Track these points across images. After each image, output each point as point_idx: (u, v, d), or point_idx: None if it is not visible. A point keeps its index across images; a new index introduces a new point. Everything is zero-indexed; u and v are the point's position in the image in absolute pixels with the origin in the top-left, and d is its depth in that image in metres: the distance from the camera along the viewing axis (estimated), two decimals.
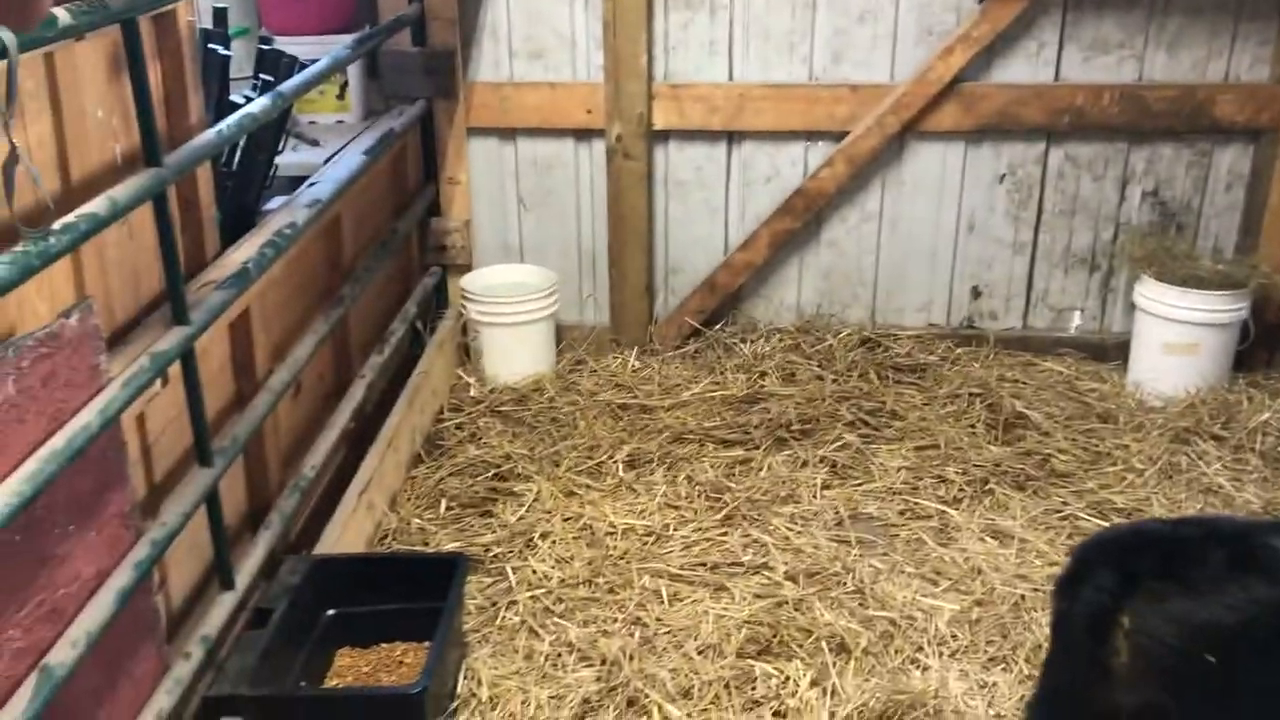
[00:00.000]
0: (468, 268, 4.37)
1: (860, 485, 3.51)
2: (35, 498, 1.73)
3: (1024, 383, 4.10)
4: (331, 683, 2.68)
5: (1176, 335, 3.94)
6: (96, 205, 1.88)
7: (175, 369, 2.25)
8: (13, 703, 1.74)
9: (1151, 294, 3.98)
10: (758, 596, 3.00)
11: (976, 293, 4.37)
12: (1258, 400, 3.93)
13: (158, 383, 2.14)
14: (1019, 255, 4.31)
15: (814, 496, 3.45)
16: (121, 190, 1.97)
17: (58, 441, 1.81)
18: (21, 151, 1.70)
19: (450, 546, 3.23)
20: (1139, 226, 4.22)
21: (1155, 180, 4.17)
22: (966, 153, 4.19)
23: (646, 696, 2.65)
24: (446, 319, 4.31)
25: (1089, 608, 1.84)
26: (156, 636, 2.21)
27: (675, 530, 3.29)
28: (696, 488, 3.49)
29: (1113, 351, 4.25)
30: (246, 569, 2.56)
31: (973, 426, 3.80)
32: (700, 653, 2.80)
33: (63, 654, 1.84)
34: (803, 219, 4.25)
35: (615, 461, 3.64)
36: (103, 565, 2.00)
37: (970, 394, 3.96)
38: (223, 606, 2.45)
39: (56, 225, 1.78)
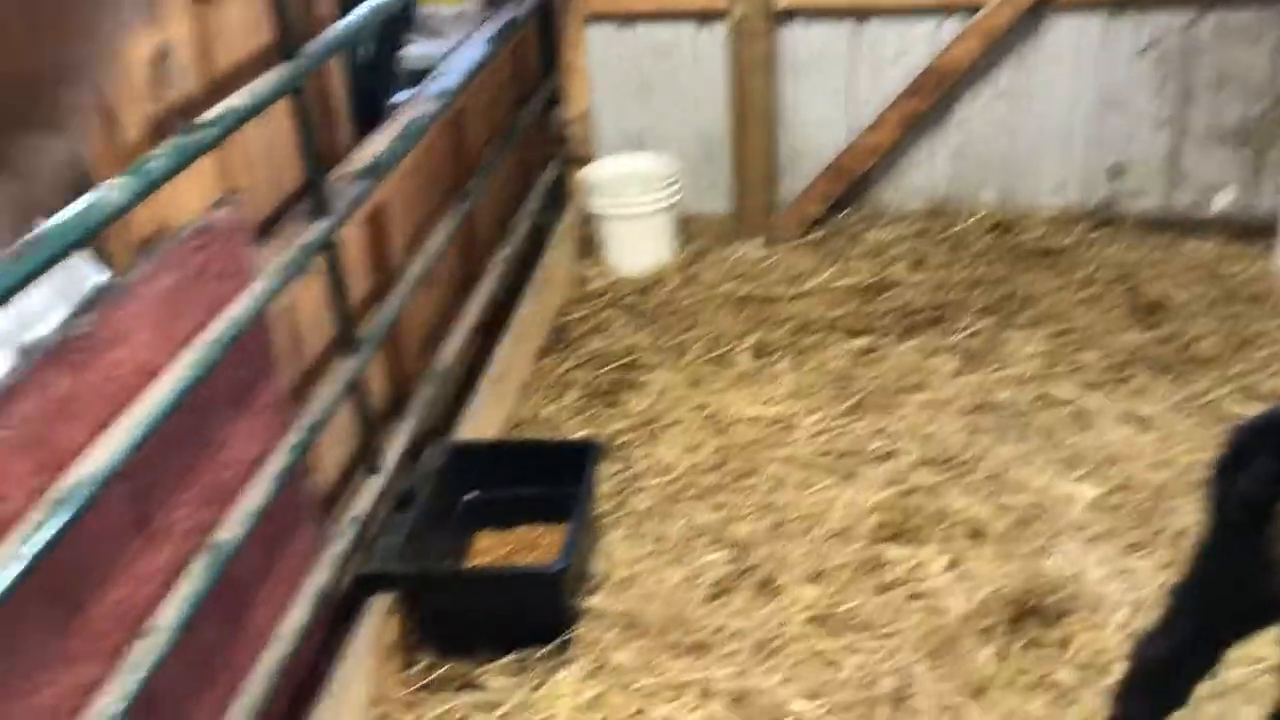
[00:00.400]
0: (588, 159, 4.35)
1: (993, 372, 3.43)
2: (197, 384, 1.80)
3: (1165, 265, 3.93)
4: (474, 563, 2.78)
5: None
6: (241, 98, 1.91)
7: (319, 260, 2.30)
8: (186, 578, 1.84)
9: None
10: (888, 483, 2.99)
11: (1116, 172, 4.18)
12: None
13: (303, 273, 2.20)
14: (1161, 131, 4.10)
15: (944, 384, 3.40)
16: (263, 83, 1.99)
17: (215, 330, 1.88)
18: (170, 46, 1.73)
19: (579, 435, 3.28)
20: None
21: None
22: (1107, 23, 3.98)
23: (778, 579, 2.69)
24: (568, 212, 4.31)
25: (1246, 493, 1.77)
26: (311, 517, 2.31)
27: (802, 419, 3.28)
28: (824, 376, 3.47)
29: (1261, 232, 4.03)
30: (391, 454, 2.65)
31: (1110, 311, 3.68)
32: (831, 537, 2.82)
33: (228, 532, 1.93)
34: (932, 99, 4.10)
35: (740, 352, 3.63)
36: (260, 449, 2.09)
37: (1108, 278, 3.83)
38: (370, 489, 2.55)
39: (204, 118, 1.81)
